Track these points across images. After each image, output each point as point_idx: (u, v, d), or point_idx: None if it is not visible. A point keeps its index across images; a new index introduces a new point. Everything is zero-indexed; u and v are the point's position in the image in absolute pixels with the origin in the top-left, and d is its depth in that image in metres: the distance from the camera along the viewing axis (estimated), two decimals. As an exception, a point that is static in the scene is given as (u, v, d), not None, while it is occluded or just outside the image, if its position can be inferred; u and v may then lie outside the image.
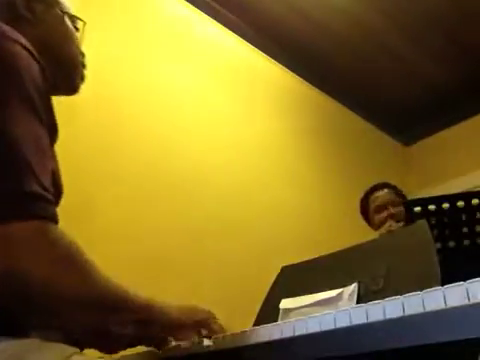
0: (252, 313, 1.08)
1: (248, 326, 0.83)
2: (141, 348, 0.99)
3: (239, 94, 2.56)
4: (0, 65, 0.67)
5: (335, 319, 0.56)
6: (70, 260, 0.64)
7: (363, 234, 1.96)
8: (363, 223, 2.12)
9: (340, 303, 0.85)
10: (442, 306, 0.47)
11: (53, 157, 0.76)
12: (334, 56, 2.89)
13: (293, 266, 1.12)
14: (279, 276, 1.12)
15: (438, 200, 1.24)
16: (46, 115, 0.71)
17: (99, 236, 1.66)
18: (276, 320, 0.92)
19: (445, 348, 0.46)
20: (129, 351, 0.96)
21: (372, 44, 2.80)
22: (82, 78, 0.99)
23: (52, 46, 0.91)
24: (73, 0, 1.01)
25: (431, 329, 0.46)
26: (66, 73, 0.95)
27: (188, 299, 1.78)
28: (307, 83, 2.99)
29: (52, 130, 0.75)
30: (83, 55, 0.99)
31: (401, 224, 1.87)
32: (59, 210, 0.68)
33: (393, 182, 2.14)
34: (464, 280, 0.47)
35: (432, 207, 1.23)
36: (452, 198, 1.23)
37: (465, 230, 1.22)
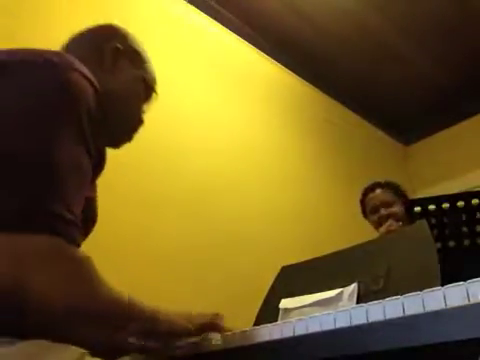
0: (252, 313, 1.08)
1: (248, 326, 0.83)
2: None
3: (239, 94, 2.56)
4: (60, 92, 0.69)
5: (335, 319, 0.56)
6: (77, 276, 0.65)
7: (363, 234, 1.95)
8: (363, 223, 2.12)
9: (340, 303, 0.85)
10: (442, 306, 0.47)
11: (93, 187, 0.77)
12: (334, 56, 2.89)
13: (293, 266, 1.12)
14: (279, 276, 1.12)
15: (438, 200, 1.24)
16: (94, 146, 0.72)
17: (102, 242, 1.66)
18: (276, 320, 0.92)
19: (445, 348, 0.46)
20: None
21: (372, 44, 2.80)
22: (129, 139, 1.03)
23: (117, 100, 0.94)
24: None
25: (431, 329, 0.46)
26: (118, 127, 0.98)
27: (189, 299, 1.79)
28: (307, 83, 2.99)
29: (97, 162, 0.77)
30: (141, 123, 1.03)
31: (401, 223, 1.87)
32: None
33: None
34: (464, 280, 0.47)
35: (432, 207, 1.23)
36: (452, 198, 1.23)
37: (465, 230, 1.22)
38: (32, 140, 0.64)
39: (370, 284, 0.85)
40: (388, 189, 2.04)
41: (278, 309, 0.96)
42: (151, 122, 2.23)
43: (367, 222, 2.09)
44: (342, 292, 0.87)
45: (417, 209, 1.24)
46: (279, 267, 1.15)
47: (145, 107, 1.05)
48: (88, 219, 0.69)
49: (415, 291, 0.50)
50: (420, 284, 0.61)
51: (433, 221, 1.22)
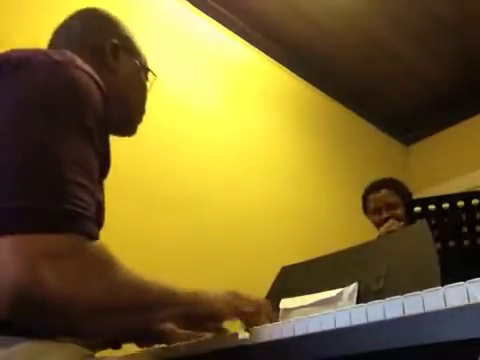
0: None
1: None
2: (140, 348, 1.00)
3: (238, 94, 2.56)
4: (65, 90, 0.68)
5: (335, 319, 0.56)
6: (97, 269, 0.63)
7: (363, 234, 1.95)
8: (364, 223, 2.12)
9: (340, 303, 0.85)
10: (442, 306, 0.47)
11: (100, 188, 0.76)
12: (335, 56, 2.89)
13: (293, 266, 1.12)
14: (279, 276, 1.12)
15: (438, 200, 1.24)
16: (101, 146, 0.71)
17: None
18: (276, 320, 0.92)
19: (445, 348, 0.46)
20: (129, 351, 0.96)
21: (373, 45, 2.80)
22: (140, 121, 1.04)
23: (123, 93, 0.94)
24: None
25: (431, 329, 0.46)
26: (128, 117, 0.99)
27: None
28: (308, 84, 2.99)
29: (104, 162, 0.75)
30: (144, 112, 1.04)
31: (402, 223, 1.86)
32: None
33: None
34: (464, 280, 0.47)
35: (432, 207, 1.23)
36: (452, 198, 1.23)
37: (465, 230, 1.22)
38: (37, 139, 0.63)
39: (370, 284, 0.85)
40: (394, 190, 1.99)
41: (278, 309, 0.96)
42: (151, 122, 2.23)
43: (367, 222, 2.08)
44: (342, 292, 0.87)
45: (417, 209, 1.23)
46: (279, 267, 1.15)
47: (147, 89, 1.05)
48: (96, 223, 0.68)
49: (415, 291, 0.50)
50: (420, 284, 0.61)
51: (433, 221, 1.22)
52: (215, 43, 2.55)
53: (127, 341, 0.98)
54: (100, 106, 0.72)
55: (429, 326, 0.47)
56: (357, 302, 0.82)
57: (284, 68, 2.87)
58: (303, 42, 2.79)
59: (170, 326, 0.95)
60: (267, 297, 1.09)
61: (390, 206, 1.95)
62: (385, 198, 1.97)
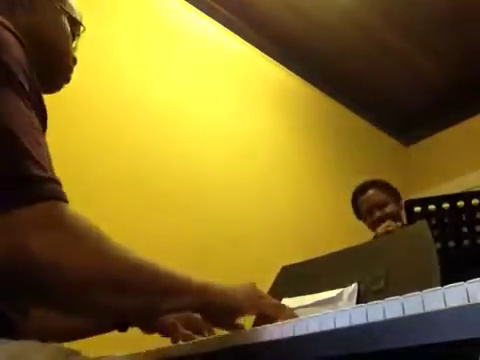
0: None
1: (248, 326, 0.83)
2: (141, 348, 1.00)
3: (238, 94, 2.56)
4: None
5: (335, 319, 0.56)
6: (91, 240, 0.60)
7: (363, 234, 1.96)
8: (364, 224, 2.12)
9: (340, 303, 0.85)
10: (442, 306, 0.47)
11: (45, 143, 0.70)
12: (334, 56, 2.89)
13: (293, 266, 1.12)
14: (279, 276, 1.12)
15: (438, 200, 1.24)
16: (36, 100, 0.68)
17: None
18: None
19: (445, 348, 0.46)
20: (129, 351, 0.96)
21: (372, 44, 2.80)
22: (67, 80, 0.95)
23: (43, 38, 0.87)
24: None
25: (431, 329, 0.46)
26: (52, 68, 0.90)
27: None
28: (307, 83, 2.99)
29: (42, 116, 0.71)
30: (74, 60, 0.96)
31: (399, 223, 1.87)
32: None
33: (393, 182, 2.12)
34: (464, 280, 0.47)
35: (432, 207, 1.23)
36: (452, 198, 1.23)
37: (465, 230, 1.22)
38: None
39: (370, 284, 0.85)
40: (379, 189, 2.02)
41: (278, 309, 0.96)
42: (150, 122, 2.23)
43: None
44: (342, 292, 0.87)
45: (417, 209, 1.24)
46: (279, 267, 1.15)
47: (74, 44, 0.97)
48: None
49: (415, 291, 0.50)
50: (420, 284, 0.61)
51: (433, 221, 1.22)
52: (212, 41, 2.55)
53: (132, 325, 0.95)
54: (24, 59, 0.67)
55: (429, 326, 0.47)
56: (357, 302, 0.82)
57: (284, 68, 2.87)
58: (303, 42, 2.79)
59: (171, 321, 0.94)
60: (267, 297, 1.09)
61: (380, 205, 1.97)
62: (373, 197, 2.00)
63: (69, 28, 0.94)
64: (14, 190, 0.57)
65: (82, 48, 1.01)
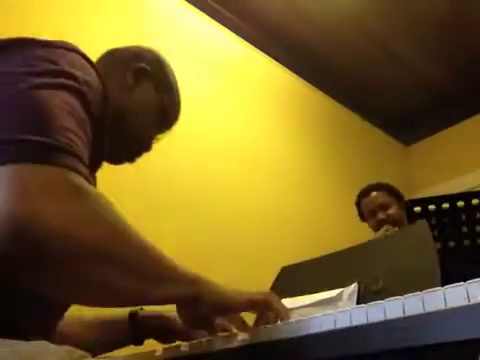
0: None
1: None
2: (141, 348, 1.00)
3: (238, 95, 2.56)
4: (62, 55, 0.68)
5: (335, 319, 0.56)
6: (101, 212, 0.61)
7: (363, 234, 1.96)
8: (363, 223, 2.12)
9: (340, 303, 0.85)
10: (442, 306, 0.47)
11: (87, 140, 0.70)
12: (334, 56, 2.89)
13: (293, 266, 1.12)
14: (279, 276, 1.12)
15: (438, 200, 1.24)
16: (96, 130, 0.70)
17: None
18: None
19: (445, 348, 0.46)
20: (129, 351, 0.96)
21: (372, 44, 2.80)
22: (131, 162, 0.99)
23: (125, 114, 0.90)
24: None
25: (431, 329, 0.46)
26: (124, 143, 0.93)
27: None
28: (308, 83, 2.99)
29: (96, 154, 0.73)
30: (148, 149, 1.00)
31: (397, 229, 1.88)
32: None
33: (393, 182, 2.13)
34: (464, 280, 0.47)
35: (432, 207, 1.23)
36: (452, 198, 1.23)
37: (465, 230, 1.22)
38: (36, 92, 0.62)
39: (370, 284, 0.85)
40: (382, 191, 2.04)
41: (278, 309, 0.96)
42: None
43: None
44: (342, 292, 0.87)
45: (417, 209, 1.24)
46: (279, 267, 1.15)
47: (157, 135, 1.02)
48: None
49: (415, 291, 0.50)
50: (420, 284, 0.61)
51: (433, 221, 1.22)
52: (214, 42, 2.55)
53: (148, 337, 0.99)
54: (96, 86, 0.71)
55: (429, 326, 0.47)
56: (357, 302, 0.82)
57: (285, 68, 2.87)
58: (304, 42, 2.79)
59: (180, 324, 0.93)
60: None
61: (383, 207, 1.98)
62: (376, 199, 2.01)
63: (158, 118, 0.98)
64: (33, 151, 0.57)
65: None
